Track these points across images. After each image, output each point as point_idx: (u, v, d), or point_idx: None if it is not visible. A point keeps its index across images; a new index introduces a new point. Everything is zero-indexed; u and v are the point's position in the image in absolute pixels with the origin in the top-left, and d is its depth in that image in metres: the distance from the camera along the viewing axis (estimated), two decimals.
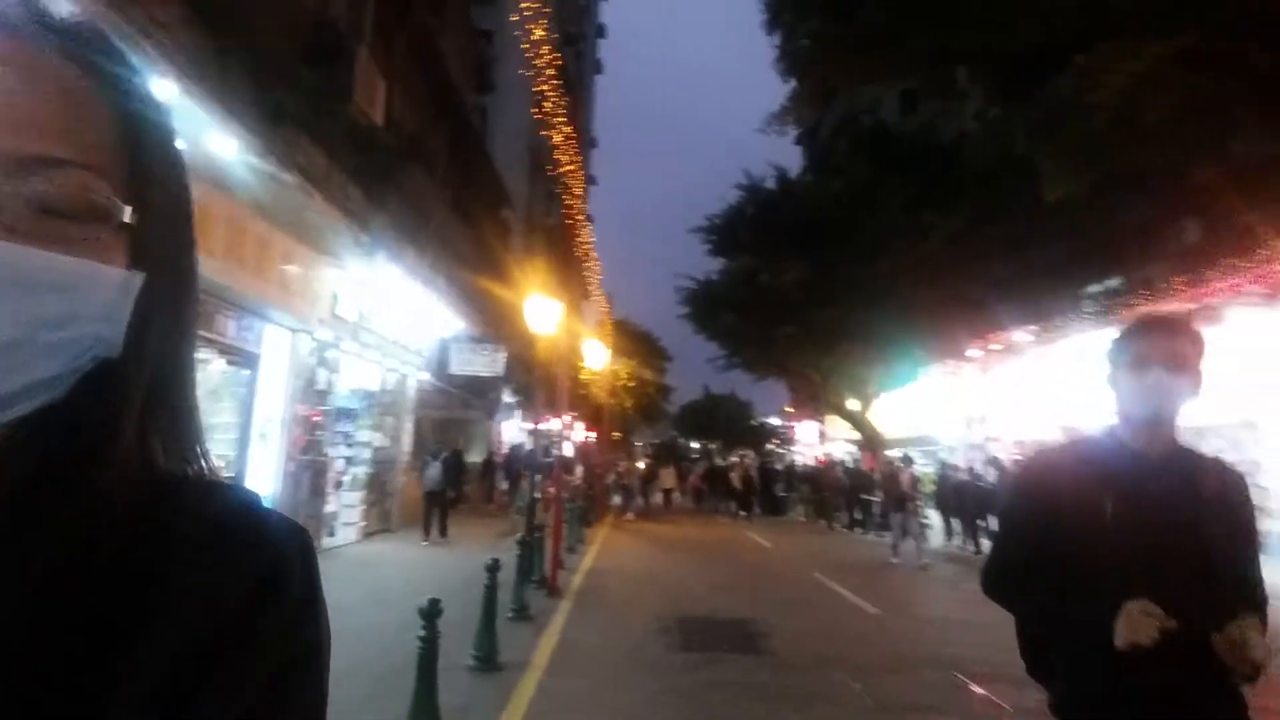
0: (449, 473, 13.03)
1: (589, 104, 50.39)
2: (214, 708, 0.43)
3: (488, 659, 5.44)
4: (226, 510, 0.49)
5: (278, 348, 9.51)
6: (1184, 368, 1.55)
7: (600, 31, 54.97)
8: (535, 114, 20.02)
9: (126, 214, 0.44)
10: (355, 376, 12.31)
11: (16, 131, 0.40)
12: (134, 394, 0.46)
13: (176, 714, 0.42)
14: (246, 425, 8.99)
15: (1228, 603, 1.41)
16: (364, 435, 12.88)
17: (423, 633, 3.91)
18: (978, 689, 5.42)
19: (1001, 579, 1.74)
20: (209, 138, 6.11)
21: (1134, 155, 11.06)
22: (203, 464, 0.52)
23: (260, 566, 0.47)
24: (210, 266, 7.19)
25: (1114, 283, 19.15)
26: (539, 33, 16.64)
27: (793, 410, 47.00)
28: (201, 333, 8.09)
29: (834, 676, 5.63)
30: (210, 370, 8.50)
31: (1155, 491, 1.53)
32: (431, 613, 3.93)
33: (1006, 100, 9.65)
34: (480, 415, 23.56)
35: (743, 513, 21.88)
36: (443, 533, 12.45)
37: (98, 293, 0.42)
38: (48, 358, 0.41)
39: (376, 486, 13.19)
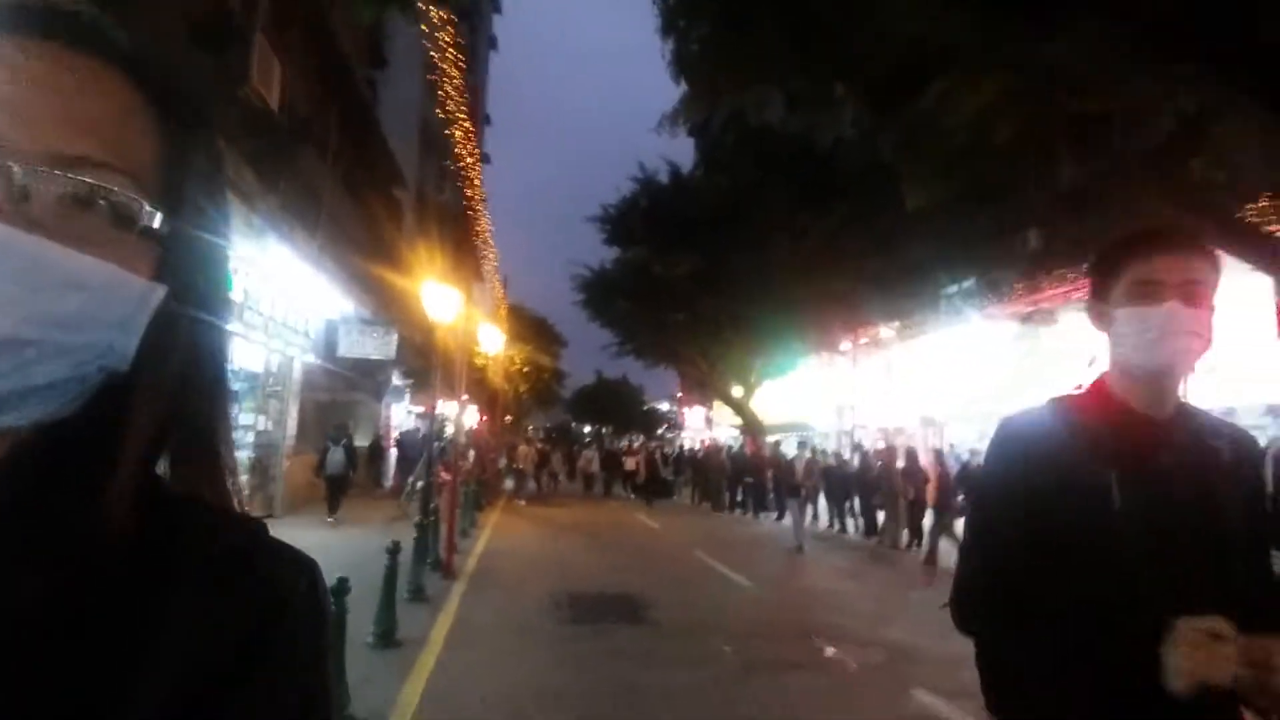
0: (350, 457, 13.14)
1: (483, 81, 49.41)
2: None
3: (387, 636, 5.70)
4: (232, 542, 0.48)
5: None
6: (1203, 298, 1.20)
7: (496, 6, 53.90)
8: (432, 89, 19.71)
9: (157, 220, 0.44)
10: (238, 358, 11.94)
11: (61, 130, 0.41)
12: (145, 417, 0.45)
13: None
14: None
15: (1243, 605, 1.09)
16: (246, 418, 12.52)
17: (338, 606, 4.16)
18: (830, 649, 6.21)
19: (984, 603, 1.29)
20: None
21: (983, 173, 12.38)
22: (226, 492, 0.51)
23: (264, 595, 0.47)
24: None
25: (968, 283, 21.06)
26: (434, 11, 16.43)
27: (682, 396, 48.48)
28: None
29: (709, 642, 6.27)
30: None
31: (1167, 466, 1.19)
32: (340, 590, 4.19)
33: (875, 114, 10.57)
34: (368, 398, 23.03)
35: (633, 496, 22.59)
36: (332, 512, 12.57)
37: (116, 298, 0.42)
38: (54, 359, 0.40)
39: (259, 471, 12.86)
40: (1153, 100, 7.68)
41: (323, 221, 12.65)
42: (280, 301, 12.40)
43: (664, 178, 20.65)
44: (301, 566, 0.50)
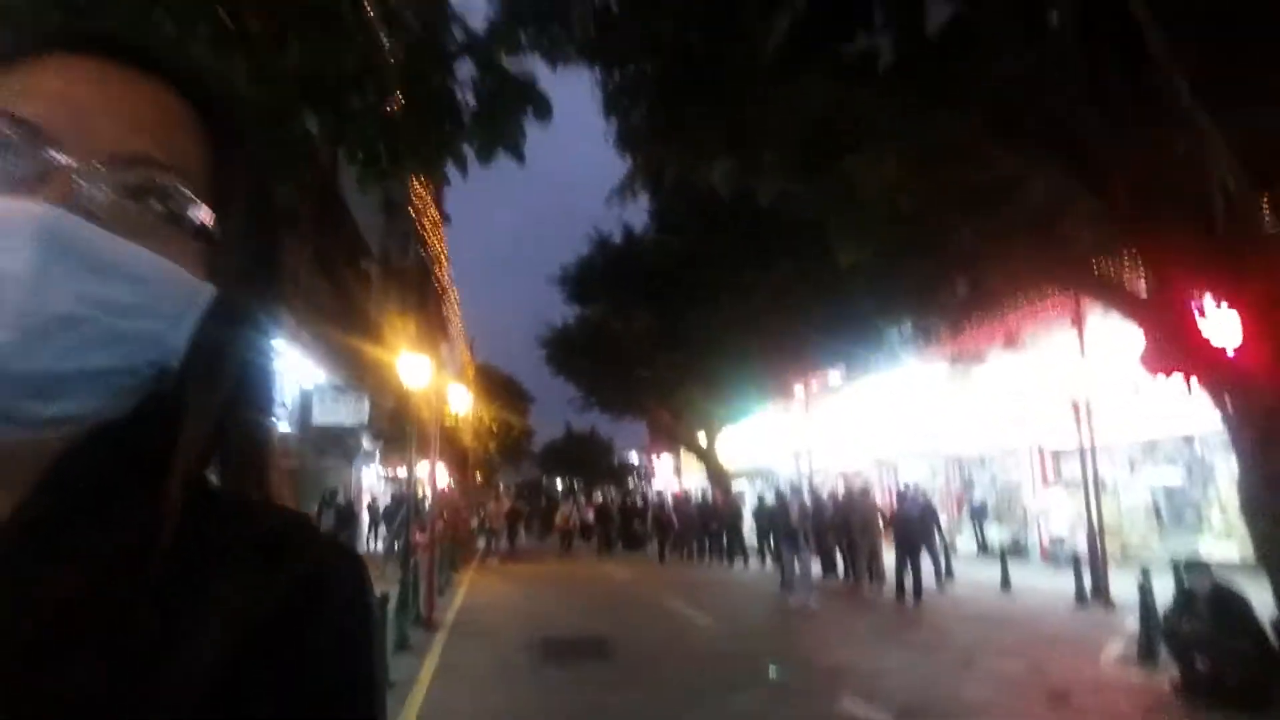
0: (341, 518, 14.22)
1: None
2: None
3: None
4: (276, 530, 0.49)
5: None
6: None
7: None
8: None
9: (208, 217, 0.46)
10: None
11: (118, 131, 0.44)
12: (198, 419, 0.46)
13: None
14: None
15: None
16: None
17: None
18: (772, 674, 7.02)
19: None
20: None
21: (901, 233, 13.74)
22: (269, 493, 0.52)
23: (303, 585, 0.46)
24: None
25: (905, 328, 22.48)
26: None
27: (650, 446, 49.17)
28: None
29: (664, 671, 7.05)
30: None
31: None
32: None
33: (800, 179, 11.80)
34: (339, 462, 23.39)
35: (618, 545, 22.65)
36: None
37: (167, 291, 0.44)
38: (106, 346, 0.42)
39: None
40: (1021, 173, 8.98)
41: (295, 295, 13.42)
42: None
43: (618, 238, 21.89)
44: (344, 552, 0.50)
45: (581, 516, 27.03)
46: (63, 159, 0.42)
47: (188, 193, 0.46)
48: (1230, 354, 6.52)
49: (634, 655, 7.79)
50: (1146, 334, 8.02)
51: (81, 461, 0.44)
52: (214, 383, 0.48)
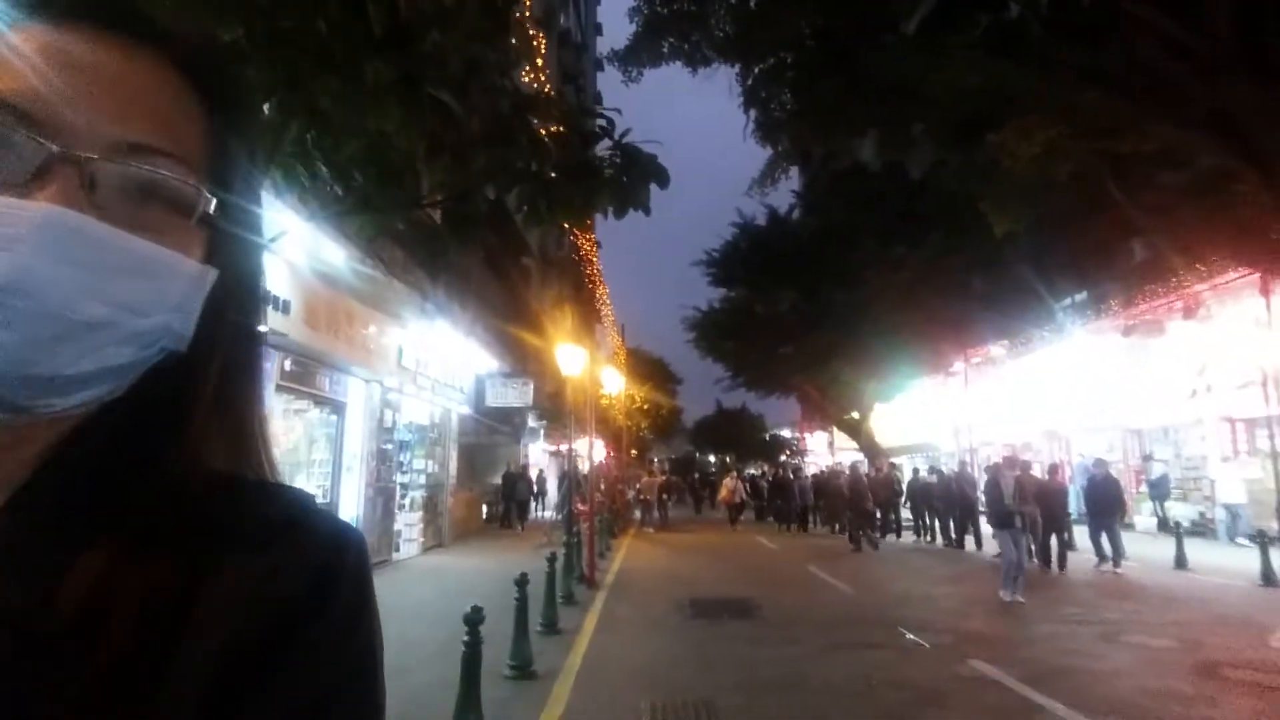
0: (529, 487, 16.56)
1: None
2: (264, 706, 0.43)
3: (550, 626, 7.51)
4: (282, 511, 0.49)
5: (358, 396, 11.70)
6: None
7: (599, 65, 57.69)
8: None
9: (211, 205, 0.46)
10: (411, 414, 14.48)
11: (121, 117, 0.43)
12: (201, 393, 0.48)
13: (226, 711, 0.42)
14: (338, 460, 11.15)
15: None
16: (419, 463, 15.03)
17: (516, 600, 5.99)
18: (908, 635, 7.42)
19: None
20: (324, 249, 8.31)
21: (1058, 200, 13.09)
22: (264, 468, 0.53)
23: (314, 567, 0.47)
24: (313, 337, 9.38)
25: (1079, 297, 21.02)
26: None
27: (802, 422, 48.90)
28: (304, 388, 10.31)
29: (802, 630, 7.65)
30: (310, 417, 10.68)
31: None
32: (522, 583, 6.02)
33: (952, 152, 11.73)
34: (508, 440, 25.71)
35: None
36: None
37: (175, 283, 0.44)
38: (124, 344, 0.42)
39: (430, 507, 15.32)
40: (1178, 145, 8.49)
41: (471, 296, 15.12)
42: (441, 364, 14.91)
43: (762, 221, 22.17)
44: (349, 535, 0.50)
45: (747, 491, 25.45)
46: (65, 150, 0.41)
47: (192, 181, 0.45)
48: None
49: (777, 614, 8.44)
50: None
51: (86, 443, 0.45)
52: (211, 357, 0.48)
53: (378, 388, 12.20)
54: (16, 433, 0.43)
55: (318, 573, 0.47)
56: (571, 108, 3.94)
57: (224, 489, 0.49)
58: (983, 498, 12.01)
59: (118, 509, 0.44)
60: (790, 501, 21.56)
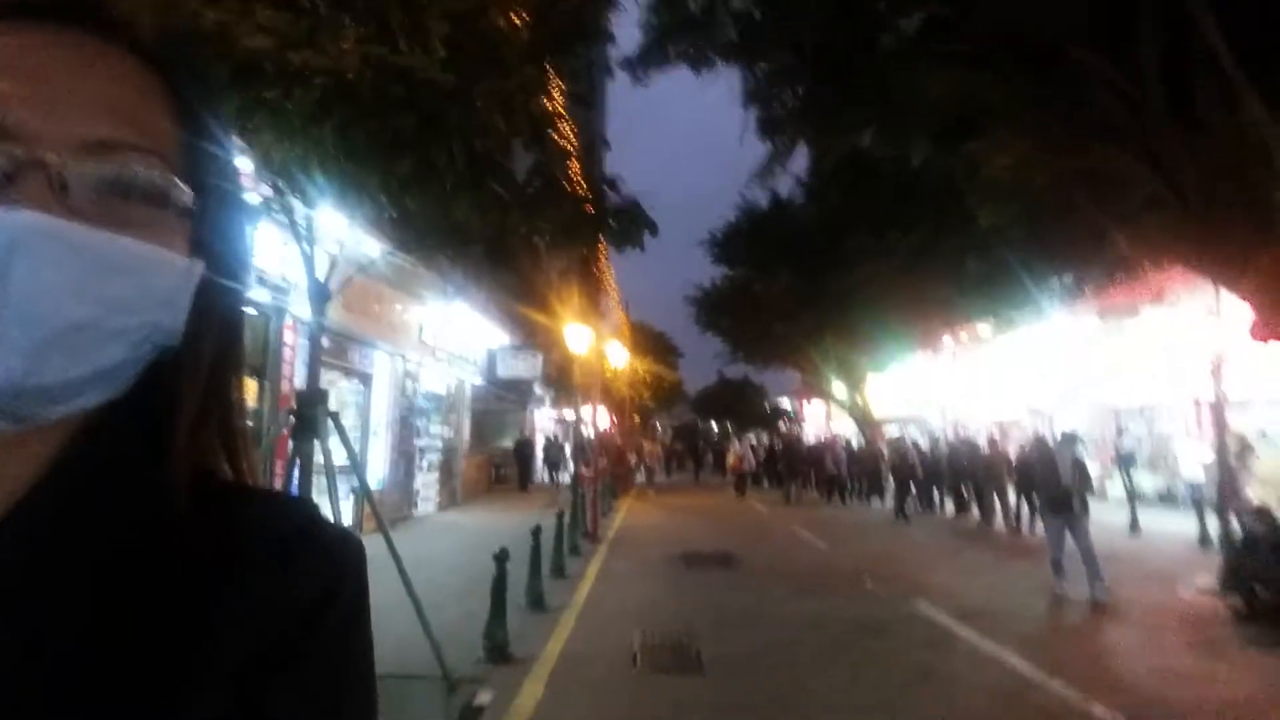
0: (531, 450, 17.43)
1: (602, 106, 53.26)
2: (277, 709, 0.44)
3: (559, 571, 8.71)
4: (292, 519, 0.51)
5: (384, 369, 12.84)
6: None
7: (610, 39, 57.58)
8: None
9: (188, 197, 0.45)
10: (429, 383, 15.64)
11: (87, 115, 0.42)
12: (193, 390, 0.48)
13: (240, 715, 0.43)
14: (365, 426, 12.33)
15: None
16: (435, 429, 16.24)
17: (531, 547, 7.16)
18: (871, 584, 8.59)
19: None
20: (363, 243, 9.33)
21: (1040, 198, 13.99)
22: (246, 467, 0.53)
23: (323, 575, 0.49)
24: (349, 318, 10.47)
25: (1064, 280, 21.97)
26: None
27: (800, 392, 50.05)
28: (338, 362, 11.43)
29: (778, 579, 8.84)
30: (342, 387, 11.82)
31: None
32: (536, 533, 7.18)
33: (940, 154, 12.60)
34: (516, 407, 26.98)
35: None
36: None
37: (161, 278, 0.44)
38: (113, 342, 0.42)
39: (445, 470, 16.57)
40: (1122, 169, 9.37)
41: (484, 274, 16.15)
42: (457, 338, 16.03)
43: (764, 203, 23.06)
44: (350, 542, 0.52)
45: (757, 458, 24.50)
46: (32, 154, 0.40)
47: (168, 174, 0.44)
48: None
49: (757, 566, 9.65)
50: (1253, 307, 8.55)
51: (86, 450, 0.44)
52: (202, 353, 0.48)
53: (401, 361, 13.32)
54: (19, 439, 0.43)
55: (329, 578, 0.49)
56: (595, 184, 4.92)
57: (225, 495, 0.50)
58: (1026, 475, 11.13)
59: (127, 513, 0.44)
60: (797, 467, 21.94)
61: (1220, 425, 12.28)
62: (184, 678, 0.42)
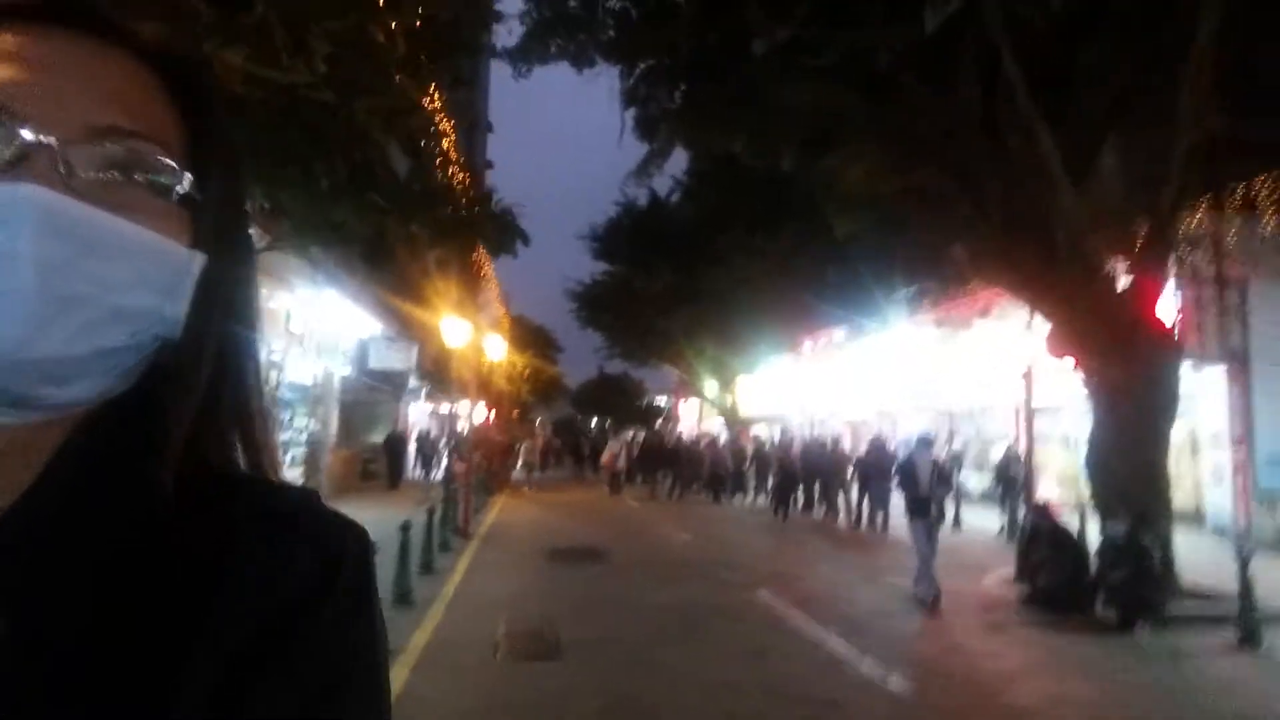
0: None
1: (484, 87, 52.22)
2: (274, 699, 0.44)
3: (427, 567, 8.79)
4: (286, 506, 0.51)
5: None
6: None
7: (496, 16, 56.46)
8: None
9: (189, 183, 0.46)
10: (294, 374, 15.05)
11: (93, 103, 0.43)
12: (195, 383, 0.48)
13: (237, 705, 0.43)
14: None
15: None
16: (300, 422, 15.66)
17: (400, 543, 7.24)
18: (724, 574, 9.26)
19: None
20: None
21: (889, 214, 15.37)
22: (262, 459, 0.53)
23: (319, 562, 0.48)
24: None
25: (908, 291, 23.98)
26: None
27: (678, 390, 51.52)
28: None
29: (643, 569, 9.35)
30: None
31: None
32: (405, 528, 7.28)
33: (803, 163, 13.47)
34: (388, 399, 26.20)
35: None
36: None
37: (162, 265, 0.44)
38: (113, 324, 0.42)
39: (310, 464, 16.00)
40: (939, 188, 10.60)
41: (358, 261, 15.71)
42: (325, 327, 15.50)
43: (643, 201, 23.71)
44: (351, 529, 0.52)
45: (630, 456, 24.53)
46: (39, 137, 0.41)
47: (169, 162, 0.45)
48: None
49: (623, 559, 10.12)
50: (1049, 321, 9.87)
51: (85, 448, 0.45)
52: (202, 349, 0.48)
53: (264, 350, 12.77)
54: (20, 439, 0.43)
55: (326, 558, 0.49)
56: (477, 173, 5.14)
57: (226, 484, 0.50)
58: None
59: (126, 510, 0.44)
60: (679, 467, 21.94)
61: (1030, 429, 14.08)
62: (181, 674, 0.42)
